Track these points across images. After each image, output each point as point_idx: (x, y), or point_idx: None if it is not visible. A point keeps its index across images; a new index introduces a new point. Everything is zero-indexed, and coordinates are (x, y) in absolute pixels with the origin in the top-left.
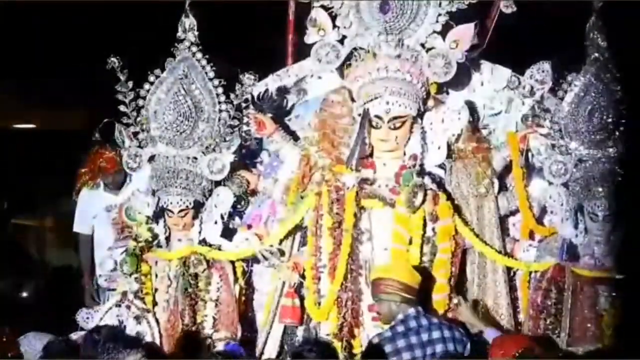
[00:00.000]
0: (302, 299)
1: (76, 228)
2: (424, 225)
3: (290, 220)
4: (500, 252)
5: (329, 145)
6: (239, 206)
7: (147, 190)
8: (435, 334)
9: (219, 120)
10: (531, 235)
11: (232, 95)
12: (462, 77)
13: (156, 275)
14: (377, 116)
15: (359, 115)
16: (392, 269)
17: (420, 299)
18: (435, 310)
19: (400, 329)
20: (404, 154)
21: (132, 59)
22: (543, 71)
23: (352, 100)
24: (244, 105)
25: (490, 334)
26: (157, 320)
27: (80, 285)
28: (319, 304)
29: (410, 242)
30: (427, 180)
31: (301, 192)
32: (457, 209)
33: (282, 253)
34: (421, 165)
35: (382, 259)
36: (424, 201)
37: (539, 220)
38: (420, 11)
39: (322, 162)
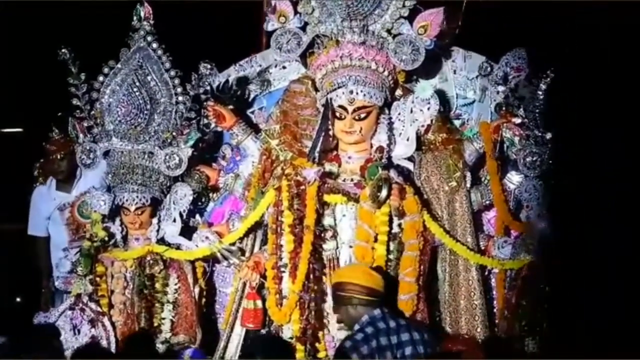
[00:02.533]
0: (264, 300)
1: (31, 231)
2: (390, 221)
3: (250, 217)
4: (472, 250)
5: (290, 138)
6: (199, 203)
7: (103, 188)
8: (404, 336)
9: (176, 112)
10: (507, 232)
11: (188, 86)
12: (432, 64)
13: (112, 277)
14: (340, 106)
15: (323, 106)
16: (346, 273)
17: (384, 300)
18: (401, 312)
19: (370, 330)
20: (371, 146)
21: (85, 50)
22: (519, 58)
23: (316, 90)
24: (203, 97)
25: None
26: (112, 324)
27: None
28: (281, 305)
29: (376, 240)
30: (392, 173)
31: (262, 187)
32: (426, 204)
33: (242, 252)
34: (389, 158)
35: (348, 257)
36: (389, 195)
37: (515, 215)
38: None
39: (284, 155)
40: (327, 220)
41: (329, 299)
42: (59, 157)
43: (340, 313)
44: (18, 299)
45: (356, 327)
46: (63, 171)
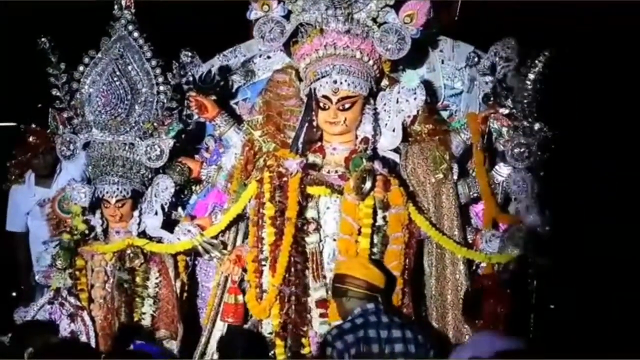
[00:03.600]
0: (245, 294)
1: (9, 227)
2: (374, 213)
3: (231, 210)
4: (459, 243)
5: (273, 129)
6: (181, 196)
7: (83, 180)
8: (396, 333)
9: (157, 103)
10: (495, 225)
11: (169, 76)
12: (419, 54)
13: (92, 270)
14: (324, 96)
15: (307, 96)
16: (344, 265)
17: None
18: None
19: (360, 321)
20: (356, 137)
21: (64, 39)
22: (509, 48)
23: (300, 80)
24: (186, 87)
25: None
26: (92, 318)
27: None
28: (261, 299)
29: (360, 232)
30: (377, 164)
31: (244, 179)
32: (412, 197)
33: (225, 245)
34: (374, 149)
35: (332, 250)
36: (373, 187)
37: (504, 208)
38: None
39: (267, 147)
40: (310, 213)
41: (312, 292)
42: (42, 150)
43: (337, 305)
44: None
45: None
46: (46, 166)
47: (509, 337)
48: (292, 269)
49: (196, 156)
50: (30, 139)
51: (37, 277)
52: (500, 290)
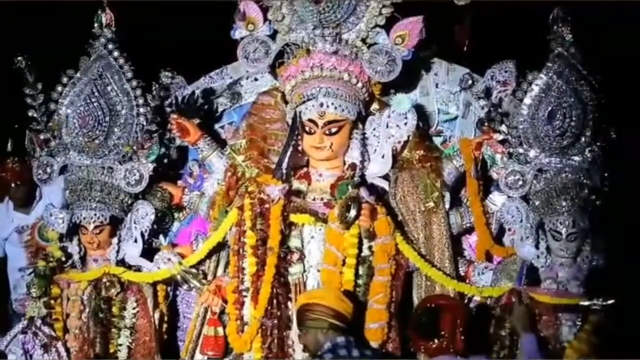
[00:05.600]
0: (225, 327)
1: None
2: (360, 243)
3: (211, 238)
4: (449, 275)
5: (257, 154)
6: (163, 223)
7: (62, 205)
8: None
9: (137, 125)
10: (489, 257)
11: (149, 97)
12: (412, 77)
13: (68, 299)
14: (310, 120)
15: (292, 119)
16: (318, 295)
17: (351, 328)
18: (369, 341)
19: (329, 357)
20: (344, 163)
21: (42, 58)
22: (506, 71)
23: (286, 103)
24: (168, 109)
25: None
26: (67, 350)
27: None
28: (242, 332)
29: (344, 263)
30: (363, 192)
31: (226, 206)
32: (400, 226)
33: (205, 275)
34: (362, 176)
35: (316, 281)
36: (358, 216)
37: (498, 239)
38: (360, 2)
39: (250, 172)
40: (294, 242)
41: (294, 326)
42: (13, 185)
43: (304, 337)
44: None
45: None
46: (20, 198)
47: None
48: (275, 301)
49: (179, 181)
50: (2, 174)
51: (14, 305)
52: (458, 307)
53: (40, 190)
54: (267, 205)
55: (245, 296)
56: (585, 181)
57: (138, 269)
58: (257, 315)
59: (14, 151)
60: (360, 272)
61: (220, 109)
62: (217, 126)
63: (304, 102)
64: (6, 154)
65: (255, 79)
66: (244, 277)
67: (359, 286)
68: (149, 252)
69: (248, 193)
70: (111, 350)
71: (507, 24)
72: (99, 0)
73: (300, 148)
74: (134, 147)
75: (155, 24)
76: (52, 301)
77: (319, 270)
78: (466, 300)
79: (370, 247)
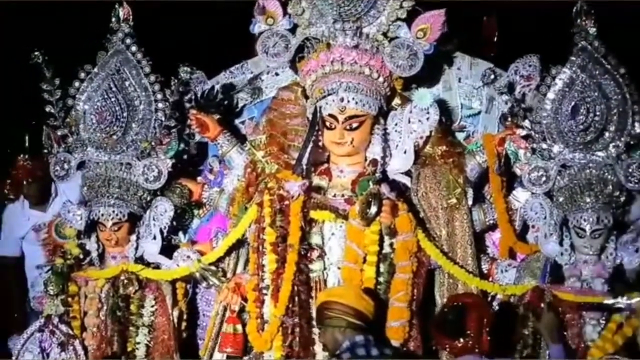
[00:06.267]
0: (245, 325)
1: (2, 251)
2: (381, 240)
3: (230, 235)
4: (472, 273)
5: (277, 150)
6: (183, 219)
7: (80, 201)
8: None
9: (155, 120)
10: (512, 254)
11: (167, 93)
12: (435, 72)
13: (85, 297)
14: (330, 115)
15: (312, 114)
16: (337, 293)
17: (372, 327)
18: (389, 340)
19: (346, 356)
20: (365, 159)
21: (60, 53)
22: (530, 66)
23: (306, 98)
24: (187, 105)
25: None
26: (85, 348)
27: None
28: (262, 330)
29: (365, 260)
30: (384, 188)
31: (246, 202)
32: (422, 223)
33: (224, 273)
34: (383, 172)
35: (337, 279)
36: (379, 212)
37: (522, 236)
38: None
39: (270, 168)
40: (314, 239)
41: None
42: (26, 182)
43: (323, 336)
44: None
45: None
46: (33, 195)
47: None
48: (296, 299)
49: (199, 178)
50: (14, 172)
51: (32, 304)
52: (484, 306)
53: (56, 187)
54: (286, 202)
55: (266, 294)
56: (609, 177)
57: (157, 267)
58: (278, 314)
59: (31, 148)
60: (382, 269)
61: (240, 104)
62: (237, 121)
63: (324, 97)
64: (21, 151)
65: (276, 74)
66: (264, 274)
67: (380, 284)
68: (168, 250)
69: (267, 189)
70: (129, 349)
71: (531, 18)
72: None
73: (320, 144)
74: (153, 143)
75: (175, 18)
76: (69, 299)
77: (339, 268)
78: (489, 299)
79: (391, 244)
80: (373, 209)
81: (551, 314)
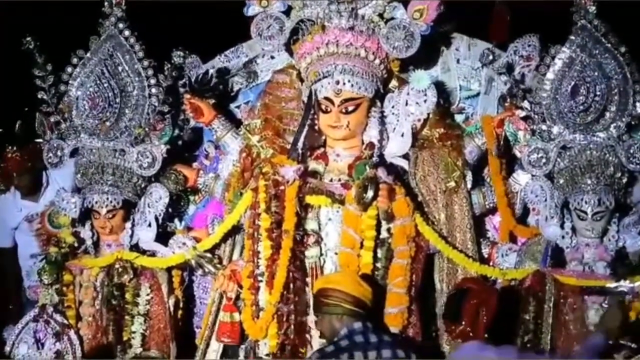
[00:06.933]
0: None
1: None
2: (378, 225)
3: (226, 222)
4: (471, 257)
5: (272, 134)
6: (178, 206)
7: (74, 189)
8: (386, 353)
9: (148, 106)
10: (513, 238)
11: (161, 77)
12: (432, 53)
13: (80, 286)
14: (326, 98)
15: (307, 97)
16: (334, 279)
17: (370, 314)
18: (388, 327)
19: (345, 343)
20: (362, 142)
21: (51, 39)
22: (529, 46)
23: (301, 81)
24: (182, 90)
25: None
26: (80, 338)
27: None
28: (257, 318)
29: (362, 246)
30: (380, 172)
31: (241, 188)
32: (420, 207)
33: (220, 260)
34: (380, 155)
35: (333, 265)
36: (375, 196)
37: (522, 220)
38: None
39: (265, 153)
40: (311, 225)
41: (312, 311)
42: (16, 174)
43: (320, 323)
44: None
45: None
46: (24, 186)
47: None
48: (291, 286)
49: (194, 164)
50: (2, 165)
51: (27, 293)
52: (486, 292)
53: (47, 176)
54: (281, 187)
55: (261, 281)
56: (610, 158)
57: (152, 254)
58: (273, 301)
59: (24, 135)
60: (379, 255)
61: (236, 88)
62: (233, 106)
63: (319, 79)
64: (11, 140)
65: (272, 57)
66: (259, 261)
67: (377, 270)
68: (164, 237)
69: (262, 174)
70: (125, 338)
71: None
72: None
73: (316, 127)
74: (146, 129)
75: (169, 2)
76: (64, 288)
77: (336, 254)
78: (490, 283)
79: (389, 229)
80: (369, 194)
81: (617, 310)
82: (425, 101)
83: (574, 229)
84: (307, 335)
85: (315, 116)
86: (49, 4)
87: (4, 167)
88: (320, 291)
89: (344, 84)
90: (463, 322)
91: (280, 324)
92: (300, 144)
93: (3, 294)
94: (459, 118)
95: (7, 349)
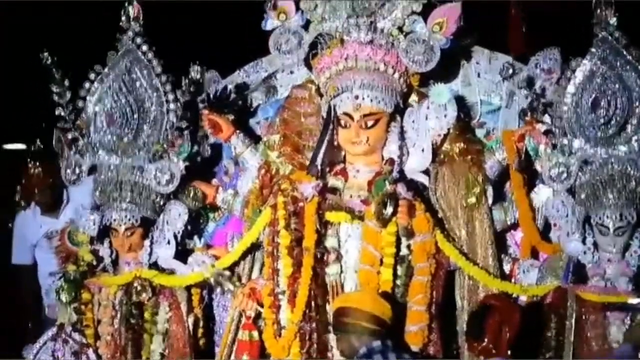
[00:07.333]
0: (261, 331)
1: (15, 260)
2: (398, 241)
3: (245, 239)
4: (492, 274)
5: (290, 150)
6: (198, 223)
7: (93, 206)
8: None
9: (167, 122)
10: (535, 254)
11: (178, 93)
12: (453, 67)
13: (99, 305)
14: (345, 113)
15: (327, 113)
16: (353, 298)
17: (390, 332)
18: (409, 345)
19: None
20: (382, 158)
21: (69, 53)
22: (551, 59)
23: (320, 96)
24: (201, 105)
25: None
26: (99, 357)
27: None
28: (279, 337)
29: (382, 263)
30: (400, 187)
31: (260, 205)
32: (441, 223)
33: (239, 278)
34: (401, 171)
35: (354, 282)
36: (395, 213)
37: (545, 235)
38: None
39: (284, 169)
40: (330, 242)
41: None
42: (37, 190)
43: (340, 342)
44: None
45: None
46: (45, 202)
47: None
48: (312, 304)
49: (214, 180)
50: (24, 182)
51: (46, 311)
52: (509, 309)
53: (67, 193)
54: (301, 204)
55: (281, 299)
56: (632, 172)
57: (172, 272)
58: (295, 319)
59: (42, 151)
60: (399, 272)
61: (255, 104)
62: (252, 122)
63: (338, 94)
64: (32, 156)
65: (291, 72)
66: (279, 279)
67: (397, 287)
68: (183, 254)
69: (281, 191)
70: (144, 357)
71: (552, 11)
72: None
73: (335, 143)
74: (165, 145)
75: (191, 18)
76: (82, 307)
77: (356, 271)
78: (512, 300)
79: (409, 246)
80: (389, 210)
81: None
82: (445, 116)
83: (595, 245)
84: (329, 354)
85: (335, 132)
86: (66, 19)
87: (25, 183)
88: (338, 310)
89: (363, 98)
90: (485, 340)
91: (303, 343)
92: (319, 160)
93: (22, 312)
94: (479, 133)
95: None
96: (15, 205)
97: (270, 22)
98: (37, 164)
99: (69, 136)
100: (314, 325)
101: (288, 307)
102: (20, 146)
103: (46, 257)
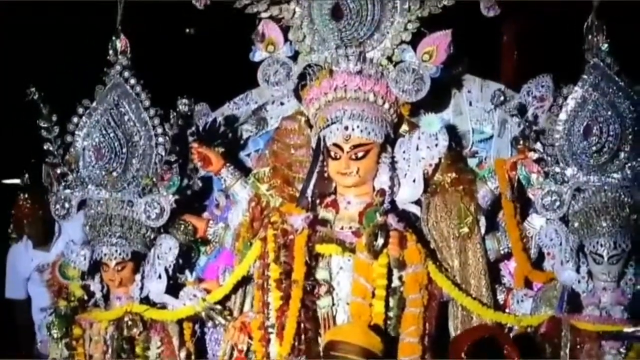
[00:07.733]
0: None
1: (8, 294)
2: (389, 273)
3: (235, 272)
4: (486, 305)
5: (280, 182)
6: (189, 257)
7: (83, 241)
8: None
9: (155, 155)
10: (528, 283)
11: (167, 126)
12: (444, 96)
13: (90, 340)
14: (335, 145)
15: (316, 144)
16: (343, 331)
17: None
18: None
19: None
20: (373, 189)
21: (56, 88)
22: (543, 86)
23: (310, 127)
24: (190, 138)
25: None
26: None
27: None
28: None
29: (374, 295)
30: (391, 219)
31: (251, 238)
32: (433, 254)
33: (230, 311)
34: (392, 202)
35: (346, 315)
36: (386, 244)
37: (538, 265)
38: (384, 18)
39: (274, 202)
40: (321, 274)
41: None
42: (26, 222)
43: None
44: None
45: None
46: (35, 235)
47: None
48: (302, 337)
49: (204, 213)
50: (14, 213)
51: (38, 346)
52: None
53: (59, 226)
54: (291, 236)
55: (271, 332)
56: (626, 199)
57: (163, 307)
58: (283, 353)
59: (31, 186)
60: (391, 304)
61: (245, 136)
62: (243, 154)
63: (327, 125)
64: (21, 190)
65: (282, 103)
66: (270, 312)
67: (389, 319)
68: (175, 289)
69: (271, 224)
70: None
71: (542, 36)
72: (113, 26)
73: (326, 174)
74: (154, 179)
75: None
76: (73, 342)
77: (348, 303)
78: (506, 330)
79: (400, 278)
80: (380, 241)
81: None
82: (436, 145)
83: (590, 273)
84: None
85: (325, 163)
86: (53, 53)
87: (15, 215)
88: (328, 343)
89: (353, 129)
90: None
91: None
92: (309, 192)
93: (15, 348)
94: (472, 162)
95: None
96: (8, 239)
97: (259, 54)
98: (27, 196)
99: (58, 171)
100: (303, 358)
101: (277, 341)
102: (16, 181)
103: (39, 291)
